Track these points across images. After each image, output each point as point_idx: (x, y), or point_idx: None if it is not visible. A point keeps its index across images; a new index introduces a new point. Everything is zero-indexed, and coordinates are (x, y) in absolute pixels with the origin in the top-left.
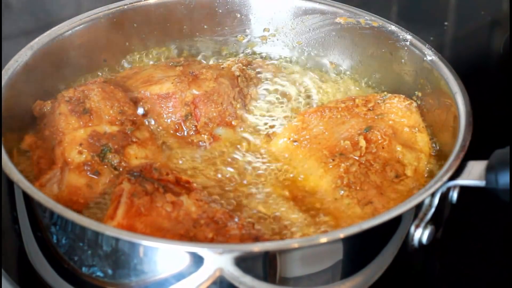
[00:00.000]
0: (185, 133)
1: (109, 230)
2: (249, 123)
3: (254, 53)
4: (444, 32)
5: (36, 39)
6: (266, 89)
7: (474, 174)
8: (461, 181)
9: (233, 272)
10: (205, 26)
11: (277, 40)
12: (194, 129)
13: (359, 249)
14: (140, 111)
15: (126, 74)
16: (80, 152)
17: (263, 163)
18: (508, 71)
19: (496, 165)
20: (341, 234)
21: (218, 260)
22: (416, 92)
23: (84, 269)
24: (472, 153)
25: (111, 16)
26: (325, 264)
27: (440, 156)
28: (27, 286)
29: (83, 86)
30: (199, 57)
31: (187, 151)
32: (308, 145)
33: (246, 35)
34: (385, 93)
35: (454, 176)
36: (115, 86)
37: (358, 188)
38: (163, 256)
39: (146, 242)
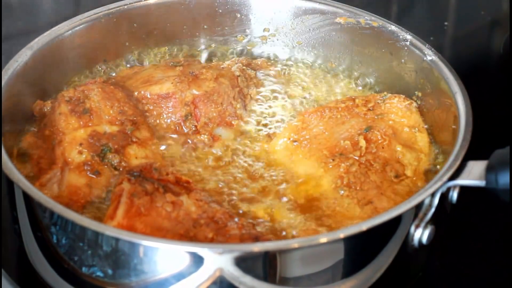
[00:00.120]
0: (185, 133)
1: (109, 230)
2: (249, 123)
3: (254, 53)
4: (444, 32)
5: (36, 39)
6: (266, 89)
7: (474, 174)
8: (461, 181)
9: (233, 272)
10: (205, 26)
11: (277, 40)
12: (194, 129)
13: (359, 249)
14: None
15: (126, 74)
16: (80, 152)
17: (263, 163)
18: (508, 71)
19: (496, 165)
20: (341, 234)
21: (218, 260)
22: (416, 92)
23: (84, 269)
24: (472, 153)
25: (111, 16)
26: (325, 264)
27: (440, 156)
28: (27, 286)
29: (83, 86)
30: (199, 57)
31: (187, 151)
32: (308, 145)
33: (246, 35)
34: (385, 93)
35: (454, 176)
36: (115, 86)
37: (358, 188)
38: (163, 256)
39: (146, 242)
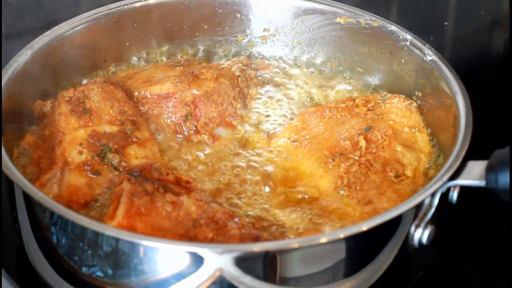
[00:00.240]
0: (185, 133)
1: (109, 230)
2: (249, 123)
3: (254, 53)
4: (444, 32)
5: (36, 39)
6: (266, 89)
7: (474, 174)
8: (461, 181)
9: (233, 272)
10: (205, 26)
11: (277, 40)
12: (194, 129)
13: (359, 249)
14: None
15: (126, 74)
16: (80, 152)
17: (263, 163)
18: (508, 71)
19: (496, 165)
20: (341, 234)
21: (218, 260)
22: (416, 92)
23: (84, 269)
24: (472, 153)
25: (111, 16)
26: (325, 264)
27: (440, 156)
28: (27, 286)
29: (83, 86)
30: (199, 57)
31: (187, 151)
32: (308, 145)
33: (246, 35)
34: (385, 93)
35: (454, 176)
36: (115, 86)
37: (358, 188)
38: (163, 256)
39: (146, 242)
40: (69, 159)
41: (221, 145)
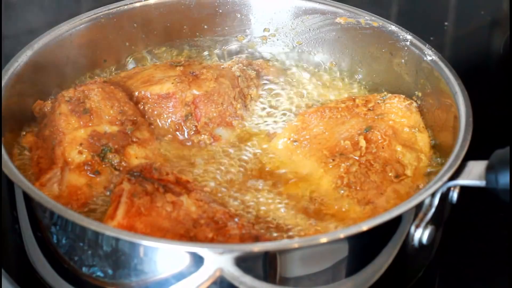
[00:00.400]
0: (186, 133)
1: (109, 230)
2: (249, 123)
3: (254, 53)
4: (444, 32)
5: (36, 39)
6: (266, 89)
7: (474, 174)
8: (461, 181)
9: (233, 272)
10: (205, 26)
11: (277, 40)
12: (194, 129)
13: (359, 249)
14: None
15: (126, 74)
16: (81, 152)
17: (263, 163)
18: (508, 71)
19: (496, 165)
20: (341, 234)
21: (218, 260)
22: (416, 92)
23: (84, 269)
24: (472, 153)
25: (111, 16)
26: (325, 264)
27: (440, 156)
28: (27, 286)
29: (83, 86)
30: (199, 57)
31: (187, 151)
32: (308, 145)
33: (246, 35)
34: (385, 93)
35: (454, 176)
36: (115, 86)
37: (358, 188)
38: (163, 256)
39: (146, 242)
40: (69, 159)
41: (221, 145)
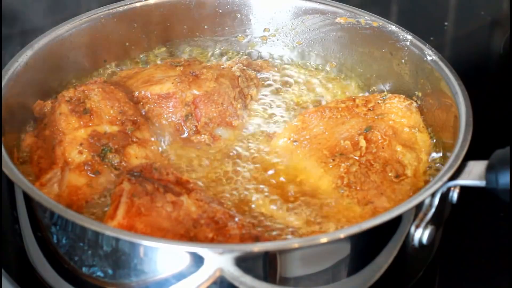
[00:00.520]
0: (186, 133)
1: (109, 230)
2: (249, 123)
3: (254, 53)
4: (444, 32)
5: (36, 39)
6: (266, 89)
7: (474, 174)
8: (461, 181)
9: (233, 272)
10: (205, 26)
11: (277, 40)
12: (194, 129)
13: (359, 249)
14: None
15: (126, 74)
16: (81, 152)
17: (263, 163)
18: (508, 71)
19: (496, 165)
20: (341, 234)
21: (218, 260)
22: (416, 92)
23: (84, 269)
24: (472, 153)
25: (111, 16)
26: (325, 264)
27: (440, 156)
28: (27, 286)
29: (83, 86)
30: (200, 57)
31: (187, 151)
32: (308, 145)
33: (246, 35)
34: (385, 93)
35: (454, 176)
36: (115, 86)
37: (358, 188)
38: (163, 256)
39: (146, 242)
40: (70, 159)
41: (221, 145)
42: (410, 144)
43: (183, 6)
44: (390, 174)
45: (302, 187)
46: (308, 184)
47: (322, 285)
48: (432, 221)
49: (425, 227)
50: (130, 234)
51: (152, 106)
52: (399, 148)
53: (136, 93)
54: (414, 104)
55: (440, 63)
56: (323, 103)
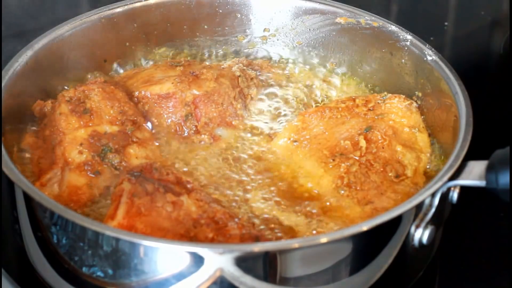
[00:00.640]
0: (186, 133)
1: (109, 230)
2: (249, 123)
3: (254, 53)
4: (444, 32)
5: (36, 39)
6: (267, 89)
7: (474, 174)
8: (462, 181)
9: (233, 272)
10: (206, 26)
11: (277, 40)
12: (194, 129)
13: (360, 249)
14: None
15: (127, 74)
16: (81, 152)
17: (263, 163)
18: (508, 71)
19: (497, 165)
20: (341, 234)
21: (218, 260)
22: (416, 92)
23: (84, 269)
24: (472, 153)
25: (111, 16)
26: (326, 264)
27: (440, 156)
28: (27, 286)
29: (83, 86)
30: (200, 57)
31: (187, 151)
32: (308, 145)
33: (247, 35)
34: (385, 93)
35: (454, 176)
36: (116, 86)
37: (358, 188)
38: (164, 256)
39: (146, 242)
40: (70, 159)
41: (221, 145)
42: (410, 144)
43: (183, 6)
44: (390, 174)
45: (302, 187)
46: (308, 184)
47: (322, 285)
48: (432, 221)
49: (425, 227)
50: (130, 234)
51: (152, 106)
52: (399, 148)
53: (136, 93)
54: (414, 104)
55: (440, 63)
56: (323, 103)
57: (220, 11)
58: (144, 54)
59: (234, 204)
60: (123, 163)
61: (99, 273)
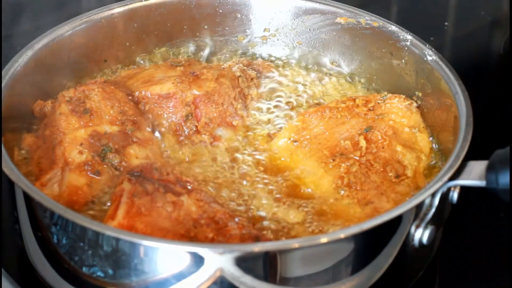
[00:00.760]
0: (186, 133)
1: (109, 230)
2: (249, 123)
3: (254, 53)
4: (444, 32)
5: (36, 39)
6: (267, 89)
7: (474, 174)
8: (462, 181)
9: (233, 272)
10: (206, 26)
11: (278, 40)
12: (194, 129)
13: (360, 249)
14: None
15: (127, 74)
16: (81, 152)
17: (264, 163)
18: (508, 71)
19: (497, 165)
20: (342, 234)
21: (218, 260)
22: (416, 92)
23: (84, 269)
24: (472, 153)
25: (111, 16)
26: (326, 264)
27: (441, 156)
28: (27, 286)
29: (83, 86)
30: (200, 57)
31: (188, 152)
32: (308, 145)
33: (247, 35)
34: (385, 93)
35: (454, 176)
36: (116, 86)
37: (358, 188)
38: (164, 256)
39: (146, 242)
40: (70, 159)
41: (222, 145)
42: (410, 144)
43: (183, 6)
44: (390, 174)
45: (302, 187)
46: (308, 184)
47: (322, 285)
48: (432, 221)
49: (425, 227)
50: (130, 234)
51: (152, 106)
52: (399, 148)
53: (136, 93)
54: (414, 104)
55: (440, 63)
56: (323, 103)
57: (220, 11)
58: (145, 54)
59: (234, 204)
60: (123, 163)
61: (99, 273)
